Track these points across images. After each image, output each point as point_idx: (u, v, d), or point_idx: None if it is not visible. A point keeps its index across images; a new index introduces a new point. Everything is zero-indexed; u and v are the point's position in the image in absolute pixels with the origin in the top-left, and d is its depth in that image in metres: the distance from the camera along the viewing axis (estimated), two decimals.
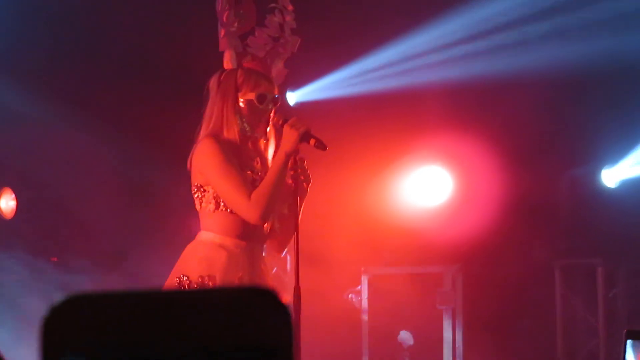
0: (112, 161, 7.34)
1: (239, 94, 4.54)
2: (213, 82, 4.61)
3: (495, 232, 8.13)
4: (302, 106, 8.05)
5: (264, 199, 4.34)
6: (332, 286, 7.83)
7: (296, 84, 8.04)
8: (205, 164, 4.44)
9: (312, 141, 4.40)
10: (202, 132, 4.57)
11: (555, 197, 8.56)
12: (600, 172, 8.53)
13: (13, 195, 7.09)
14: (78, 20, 7.11)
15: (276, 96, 4.61)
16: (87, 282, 6.80)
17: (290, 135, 4.37)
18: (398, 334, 7.96)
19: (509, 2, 7.85)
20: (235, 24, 4.69)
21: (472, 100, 8.22)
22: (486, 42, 8.03)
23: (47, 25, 7.02)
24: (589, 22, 7.78)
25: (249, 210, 4.36)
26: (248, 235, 4.49)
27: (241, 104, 4.54)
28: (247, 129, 4.57)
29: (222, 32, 4.68)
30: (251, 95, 4.54)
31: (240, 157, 4.50)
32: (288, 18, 4.84)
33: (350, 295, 8.04)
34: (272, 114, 4.60)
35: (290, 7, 4.86)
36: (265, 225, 4.52)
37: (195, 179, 4.50)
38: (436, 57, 8.07)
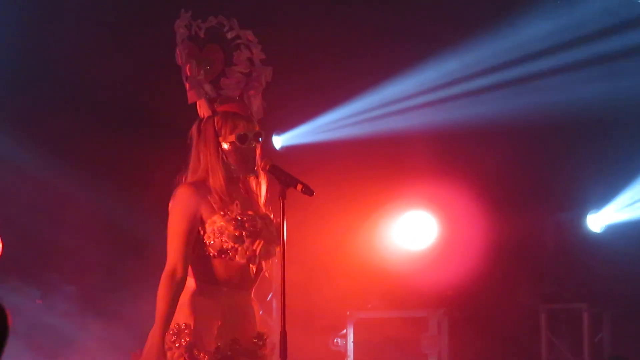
0: (97, 208, 7.34)
1: (220, 139, 4.56)
2: (194, 131, 4.63)
3: (480, 277, 8.14)
4: (288, 150, 8.07)
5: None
6: (318, 330, 7.81)
7: (282, 128, 8.06)
8: (170, 211, 4.50)
9: (299, 186, 4.40)
10: (190, 178, 4.58)
11: (541, 241, 8.58)
12: (585, 217, 8.57)
13: None
14: (59, 69, 7.14)
15: (257, 131, 4.61)
16: (71, 325, 6.78)
17: None
18: None
19: (496, 46, 7.91)
20: (202, 72, 4.68)
21: (458, 145, 8.25)
22: (471, 86, 8.08)
23: (30, 74, 7.05)
24: (574, 70, 7.84)
25: (163, 276, 4.44)
26: (229, 281, 4.49)
27: (226, 148, 4.55)
28: (235, 170, 4.58)
29: (187, 86, 4.67)
30: (232, 138, 4.55)
31: (228, 200, 4.50)
32: (255, 50, 4.82)
33: (336, 340, 8.01)
34: (258, 152, 4.61)
35: (254, 40, 4.83)
36: (251, 269, 4.51)
37: None
38: (422, 101, 8.11)
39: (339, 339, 8.00)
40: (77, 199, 7.25)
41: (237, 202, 4.50)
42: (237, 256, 4.45)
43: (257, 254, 4.46)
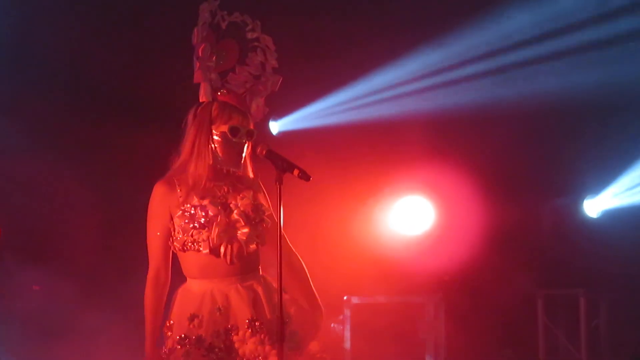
0: (97, 194, 7.35)
1: (213, 127, 4.57)
2: (190, 115, 4.65)
3: (477, 262, 8.15)
4: (285, 135, 8.07)
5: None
6: None
7: (279, 113, 8.06)
8: (147, 212, 4.55)
9: (296, 171, 4.40)
10: (176, 163, 4.60)
11: (538, 227, 8.59)
12: (582, 202, 8.58)
13: None
14: (57, 57, 7.14)
15: (251, 130, 4.62)
16: (69, 311, 6.80)
17: None
18: None
19: (494, 32, 7.91)
20: (213, 59, 4.68)
21: (455, 131, 8.25)
22: (469, 72, 8.08)
23: (29, 61, 7.05)
24: (571, 56, 7.84)
25: (148, 280, 4.51)
26: (212, 272, 4.50)
27: (216, 137, 4.56)
28: (220, 162, 4.58)
29: (197, 65, 4.69)
30: (224, 128, 4.55)
31: (207, 187, 4.51)
32: (270, 57, 4.84)
33: (332, 325, 8.02)
34: (247, 147, 4.61)
35: (272, 47, 4.87)
36: (228, 260, 4.50)
37: None
38: (420, 87, 8.11)
39: (335, 324, 8.01)
40: (77, 185, 7.26)
41: (193, 194, 4.51)
42: (201, 248, 4.47)
43: (214, 242, 4.47)
